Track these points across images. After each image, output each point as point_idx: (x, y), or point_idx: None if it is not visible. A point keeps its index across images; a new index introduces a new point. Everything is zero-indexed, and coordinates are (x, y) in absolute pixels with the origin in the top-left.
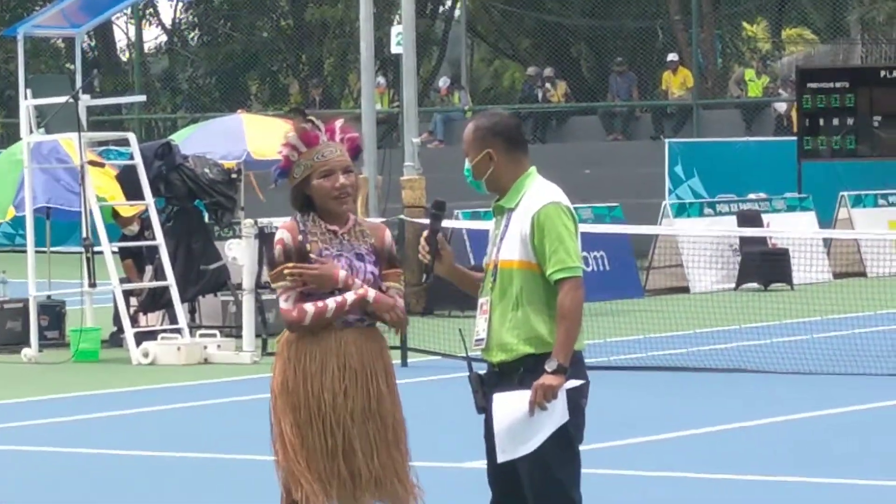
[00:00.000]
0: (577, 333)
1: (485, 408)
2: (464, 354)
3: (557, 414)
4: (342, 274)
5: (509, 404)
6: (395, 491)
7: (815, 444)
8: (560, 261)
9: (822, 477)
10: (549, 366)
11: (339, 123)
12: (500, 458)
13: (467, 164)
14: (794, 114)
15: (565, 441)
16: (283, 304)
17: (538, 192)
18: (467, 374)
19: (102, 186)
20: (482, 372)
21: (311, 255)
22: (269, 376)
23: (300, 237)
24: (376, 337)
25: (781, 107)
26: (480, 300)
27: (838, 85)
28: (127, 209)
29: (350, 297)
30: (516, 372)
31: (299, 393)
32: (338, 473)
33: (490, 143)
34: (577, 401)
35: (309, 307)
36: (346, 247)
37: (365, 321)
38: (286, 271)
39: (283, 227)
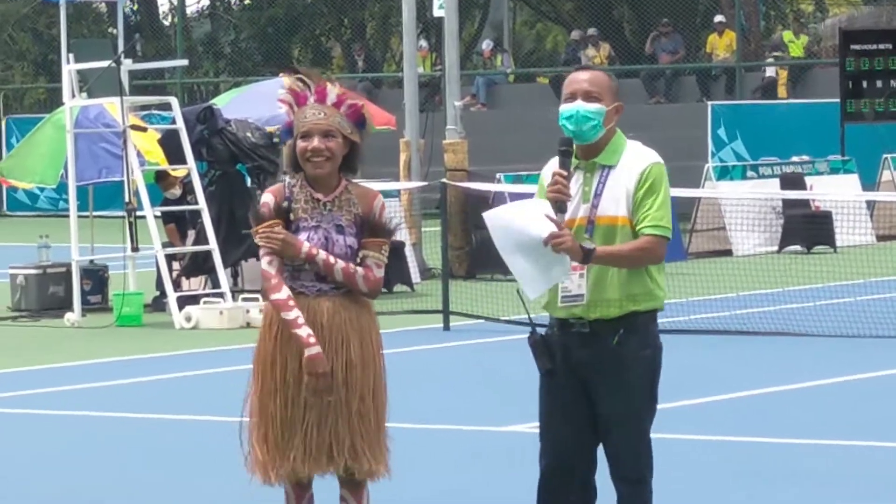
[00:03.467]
0: (628, 266)
1: (552, 370)
2: (525, 316)
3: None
4: (305, 246)
5: (505, 217)
6: (356, 463)
7: (860, 408)
8: (659, 218)
9: (868, 440)
10: (590, 243)
11: (333, 89)
12: (533, 294)
13: (596, 105)
14: (781, 80)
15: (654, 399)
16: (265, 266)
17: (642, 151)
18: (529, 336)
19: (152, 151)
20: (542, 333)
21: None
22: None
23: (284, 203)
24: (355, 305)
25: (771, 71)
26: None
27: (881, 47)
28: (173, 171)
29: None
30: (615, 331)
31: (266, 362)
32: (295, 444)
33: (618, 98)
34: (660, 359)
35: (283, 294)
36: (326, 217)
37: (341, 289)
38: (258, 230)
39: (269, 191)
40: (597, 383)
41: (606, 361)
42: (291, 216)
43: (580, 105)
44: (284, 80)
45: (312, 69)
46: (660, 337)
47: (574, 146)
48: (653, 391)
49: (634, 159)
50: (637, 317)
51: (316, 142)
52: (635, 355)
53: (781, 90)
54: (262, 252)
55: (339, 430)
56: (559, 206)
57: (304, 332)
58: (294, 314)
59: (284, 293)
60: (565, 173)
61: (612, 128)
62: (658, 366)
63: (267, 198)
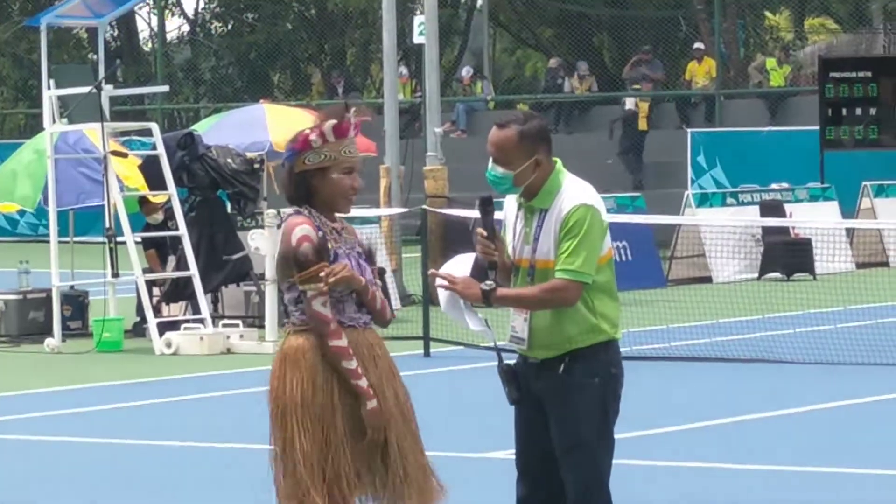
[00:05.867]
0: (537, 307)
1: (518, 400)
2: (492, 345)
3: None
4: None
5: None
6: (431, 489)
7: (839, 435)
8: (570, 262)
9: (846, 467)
10: (488, 284)
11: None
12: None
13: (501, 170)
14: (642, 112)
15: (605, 428)
16: (319, 308)
17: (572, 192)
18: (498, 365)
19: (132, 177)
20: (512, 362)
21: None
22: (272, 385)
23: (320, 233)
24: (379, 337)
25: (630, 103)
26: None
27: (861, 74)
28: (153, 198)
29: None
30: (562, 362)
31: (325, 415)
32: (377, 480)
33: (537, 150)
34: (614, 388)
35: (344, 342)
36: (347, 246)
37: (372, 319)
38: (322, 274)
39: (302, 223)
40: (549, 413)
41: (554, 390)
42: (329, 246)
43: (491, 168)
44: (321, 114)
45: (359, 104)
46: (614, 367)
47: (493, 203)
48: (604, 422)
49: (564, 202)
50: (581, 350)
51: (359, 179)
52: (581, 383)
53: (642, 122)
54: (311, 293)
55: (417, 459)
56: (490, 264)
57: (364, 382)
58: (355, 363)
59: (345, 340)
60: (485, 233)
61: (543, 173)
62: (610, 396)
63: (305, 230)
